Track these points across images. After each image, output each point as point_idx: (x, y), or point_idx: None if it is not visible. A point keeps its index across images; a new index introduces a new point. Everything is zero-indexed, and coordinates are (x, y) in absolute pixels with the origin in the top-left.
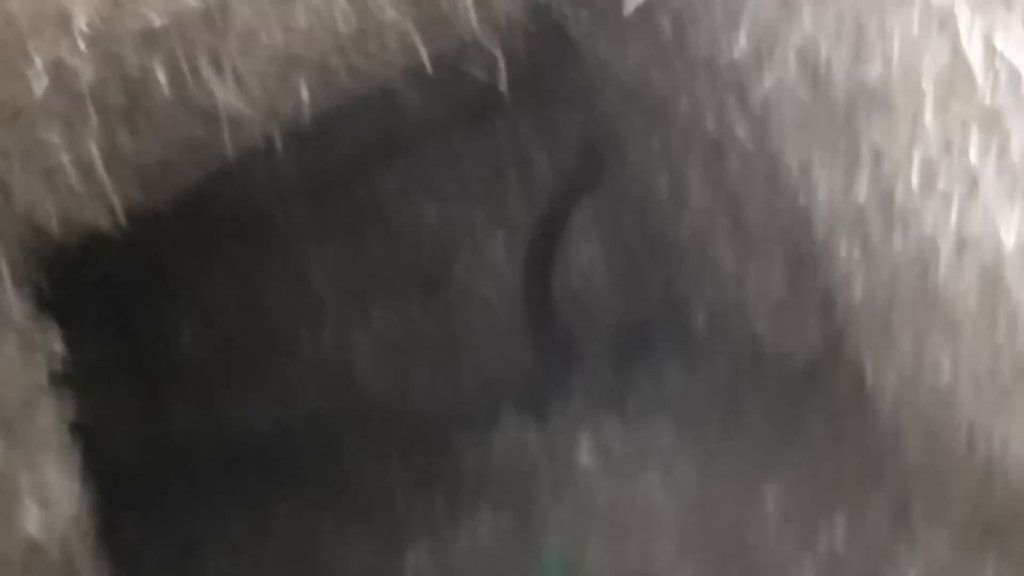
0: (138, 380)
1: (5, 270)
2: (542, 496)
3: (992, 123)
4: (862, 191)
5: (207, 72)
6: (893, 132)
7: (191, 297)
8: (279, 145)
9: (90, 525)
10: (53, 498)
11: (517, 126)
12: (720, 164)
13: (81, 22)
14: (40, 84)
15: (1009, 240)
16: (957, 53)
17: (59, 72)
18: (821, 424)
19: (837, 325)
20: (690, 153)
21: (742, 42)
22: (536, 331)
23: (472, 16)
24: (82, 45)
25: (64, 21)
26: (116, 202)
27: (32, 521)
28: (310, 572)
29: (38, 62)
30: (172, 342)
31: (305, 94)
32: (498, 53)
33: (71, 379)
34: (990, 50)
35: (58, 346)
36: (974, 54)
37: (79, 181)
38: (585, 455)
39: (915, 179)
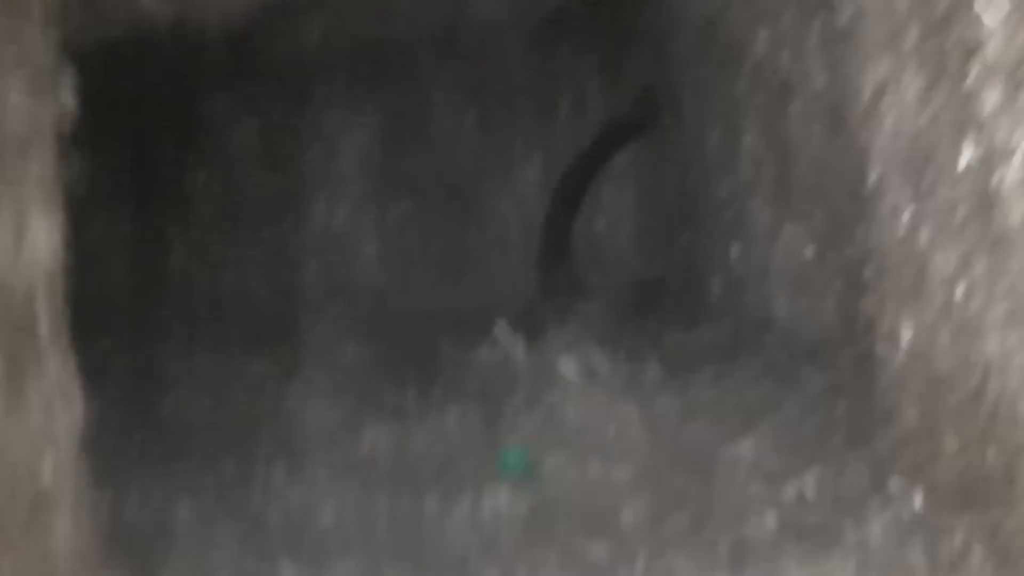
0: (143, 204)
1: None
2: (515, 404)
3: None
4: (937, 104)
5: None
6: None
7: (212, 137)
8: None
9: (58, 282)
10: (29, 239)
11: (581, 56)
12: (781, 111)
13: None
14: None
15: None
16: None
17: None
18: (817, 392)
19: (855, 299)
20: (752, 101)
21: None
22: (548, 262)
23: None
24: None
25: None
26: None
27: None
28: (266, 425)
29: None
30: (185, 179)
31: None
32: None
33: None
34: None
35: (68, 100)
36: None
37: None
38: (566, 374)
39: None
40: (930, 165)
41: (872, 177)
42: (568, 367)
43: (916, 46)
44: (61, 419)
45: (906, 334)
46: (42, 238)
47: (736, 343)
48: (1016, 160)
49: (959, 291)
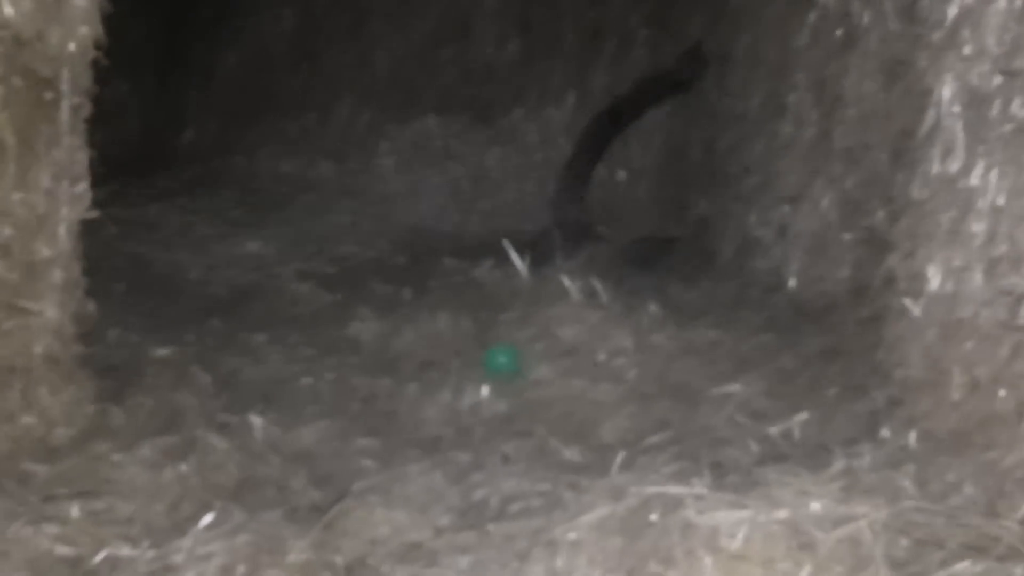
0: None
1: None
2: (511, 315)
3: None
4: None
5: None
6: None
7: (248, 22)
8: None
9: (85, 71)
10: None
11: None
12: (838, 65)
13: None
14: None
15: None
16: None
17: None
18: (816, 351)
19: (874, 260)
20: (809, 56)
21: None
22: (563, 200)
23: None
24: None
25: None
26: None
27: None
28: (255, 297)
29: None
30: (213, 59)
31: None
32: None
33: None
34: None
35: None
36: None
37: None
38: (565, 296)
39: None
40: (999, 96)
41: (929, 120)
42: (570, 287)
43: None
44: (64, 201)
45: (934, 281)
46: (78, 18)
47: (740, 301)
48: None
49: (1004, 225)
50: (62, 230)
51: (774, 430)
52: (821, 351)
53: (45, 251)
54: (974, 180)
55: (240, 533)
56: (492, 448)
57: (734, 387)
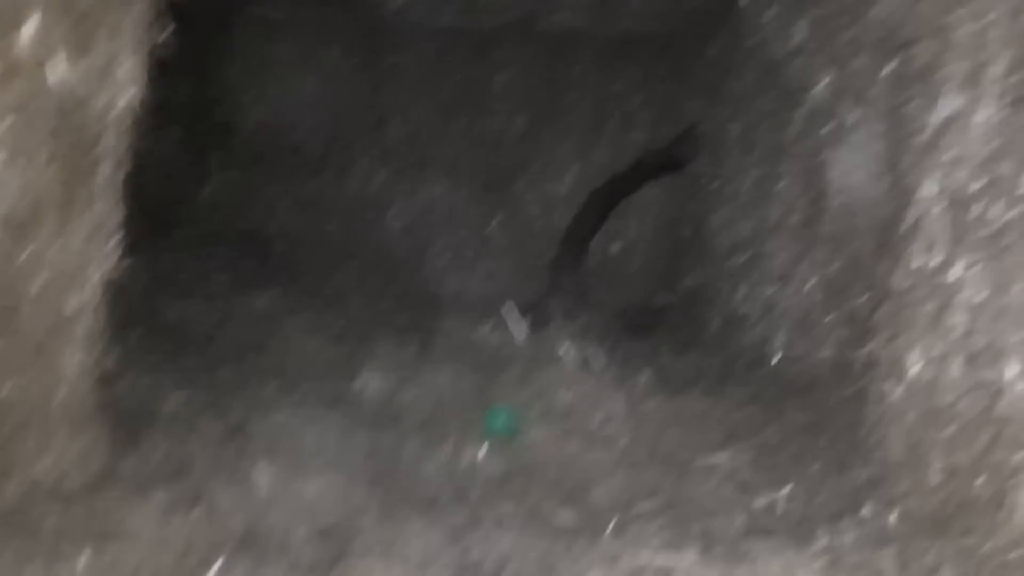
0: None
1: None
2: (509, 378)
3: None
4: (1007, 134)
5: None
6: None
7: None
8: None
9: (127, 132)
10: (116, 76)
11: (638, 83)
12: (828, 156)
13: None
14: None
15: None
16: None
17: None
18: (801, 425)
19: (857, 341)
20: (800, 145)
21: None
22: (562, 267)
23: None
24: None
25: None
26: None
27: None
28: (265, 350)
29: None
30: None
31: None
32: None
33: None
34: None
35: None
36: None
37: None
38: (564, 359)
39: None
40: (981, 199)
41: (911, 216)
42: (567, 352)
43: (1000, 78)
44: (97, 256)
45: (913, 368)
46: (125, 81)
47: (727, 373)
48: None
49: (983, 320)
50: (92, 284)
51: (760, 502)
52: (805, 425)
53: (74, 303)
54: (954, 275)
55: None
56: (487, 508)
57: (722, 457)
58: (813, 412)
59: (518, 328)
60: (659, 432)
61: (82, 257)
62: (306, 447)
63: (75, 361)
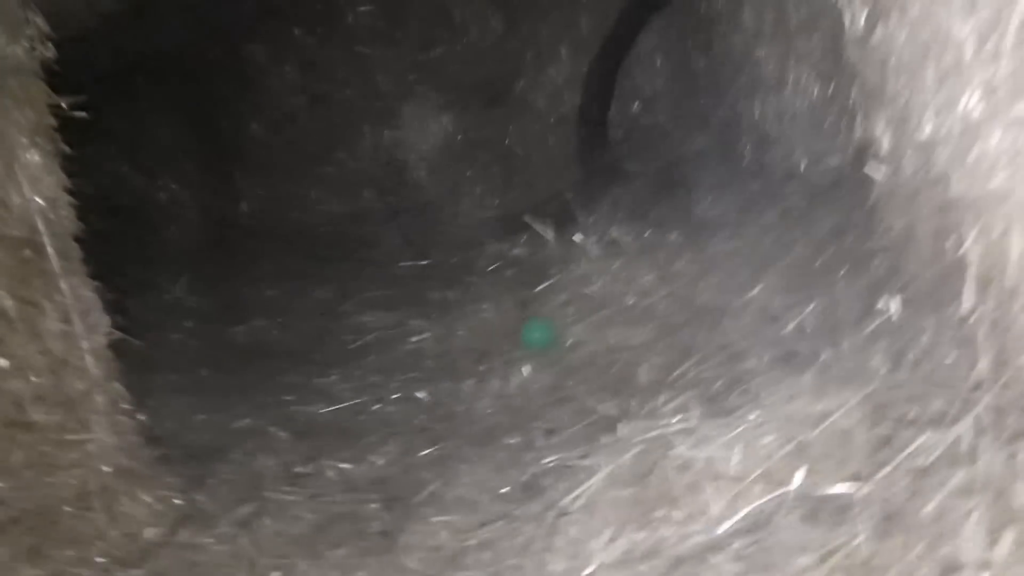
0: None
1: None
2: (544, 287)
3: None
4: None
5: None
6: None
7: (259, 80)
8: None
9: (63, 215)
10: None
11: None
12: None
13: None
14: None
15: None
16: None
17: None
18: (826, 231)
19: (860, 135)
20: None
21: None
22: (587, 152)
23: None
24: None
25: None
26: None
27: None
28: (325, 340)
29: None
30: (240, 125)
31: None
32: None
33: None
34: None
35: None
36: None
37: None
38: (589, 252)
39: None
40: None
41: None
42: (591, 245)
43: None
44: (82, 335)
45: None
46: (34, 176)
47: (758, 200)
48: None
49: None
50: (89, 360)
51: (789, 327)
52: (831, 230)
53: (79, 385)
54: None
55: None
56: (537, 420)
57: (753, 293)
58: (839, 213)
59: (545, 232)
60: (691, 290)
61: (65, 344)
62: (371, 423)
63: (106, 433)
